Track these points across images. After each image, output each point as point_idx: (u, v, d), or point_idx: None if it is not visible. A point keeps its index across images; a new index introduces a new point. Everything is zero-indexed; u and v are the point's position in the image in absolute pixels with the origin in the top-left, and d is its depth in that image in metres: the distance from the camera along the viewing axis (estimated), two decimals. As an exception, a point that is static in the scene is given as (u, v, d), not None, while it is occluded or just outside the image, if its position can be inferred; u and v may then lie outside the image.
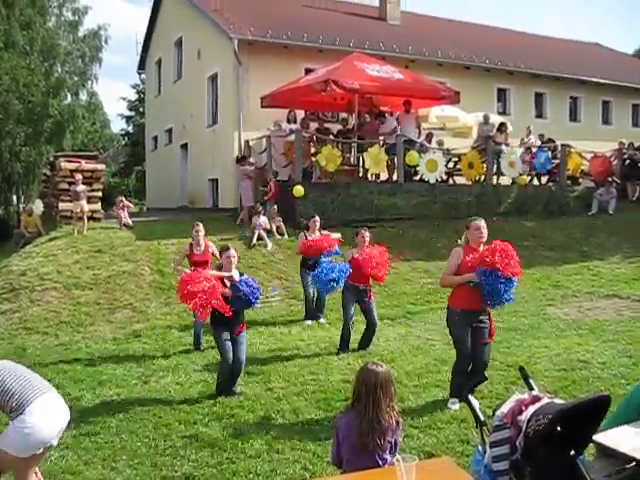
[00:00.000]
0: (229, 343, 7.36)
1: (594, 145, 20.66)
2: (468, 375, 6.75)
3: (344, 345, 9.21)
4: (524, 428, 3.17)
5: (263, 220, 14.76)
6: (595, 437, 3.42)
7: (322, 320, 11.16)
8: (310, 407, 6.92)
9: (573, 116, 26.36)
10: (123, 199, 17.33)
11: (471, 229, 6.81)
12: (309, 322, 11.11)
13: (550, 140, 20.08)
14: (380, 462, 3.85)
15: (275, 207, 15.52)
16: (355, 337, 9.33)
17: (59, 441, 6.10)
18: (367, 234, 9.20)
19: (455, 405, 6.66)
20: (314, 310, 11.28)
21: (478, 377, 6.55)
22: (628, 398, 4.00)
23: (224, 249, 7.70)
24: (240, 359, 7.43)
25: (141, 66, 31.01)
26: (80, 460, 5.74)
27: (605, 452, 3.55)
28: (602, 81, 25.66)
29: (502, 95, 24.66)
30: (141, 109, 43.31)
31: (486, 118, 18.71)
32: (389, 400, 3.93)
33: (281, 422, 6.51)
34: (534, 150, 19.18)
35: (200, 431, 6.30)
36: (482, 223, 6.77)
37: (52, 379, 8.21)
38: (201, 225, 9.95)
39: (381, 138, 16.89)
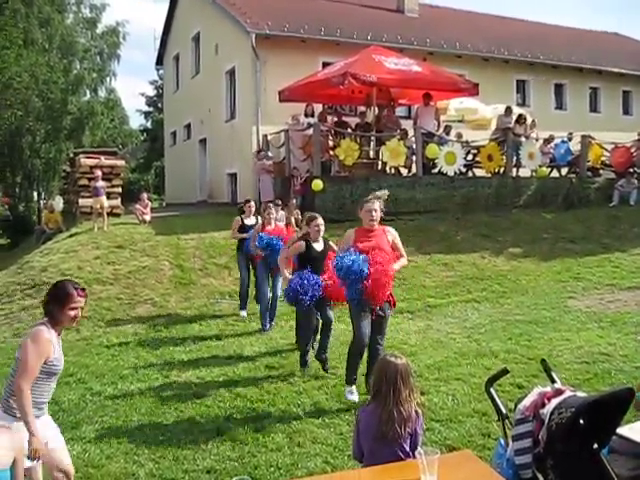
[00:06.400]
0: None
1: (614, 136, 20.45)
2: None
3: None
4: (547, 421, 3.15)
5: (282, 214, 14.75)
6: (619, 430, 3.40)
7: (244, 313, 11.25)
8: (331, 401, 6.93)
9: (593, 107, 26.08)
10: (146, 196, 17.46)
11: (363, 210, 6.73)
12: (244, 313, 11.22)
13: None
14: (402, 454, 3.84)
15: (294, 201, 15.52)
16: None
17: (81, 435, 6.19)
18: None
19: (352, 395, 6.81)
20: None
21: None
22: None
23: (311, 218, 8.09)
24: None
25: (159, 62, 31.14)
26: (102, 454, 5.77)
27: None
28: (622, 71, 25.37)
29: (521, 86, 24.46)
30: (159, 105, 43.51)
31: (508, 110, 18.53)
32: (409, 391, 3.93)
33: (302, 416, 6.52)
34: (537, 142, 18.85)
35: (221, 425, 6.33)
36: (375, 206, 6.68)
37: (74, 374, 8.31)
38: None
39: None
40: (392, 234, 6.87)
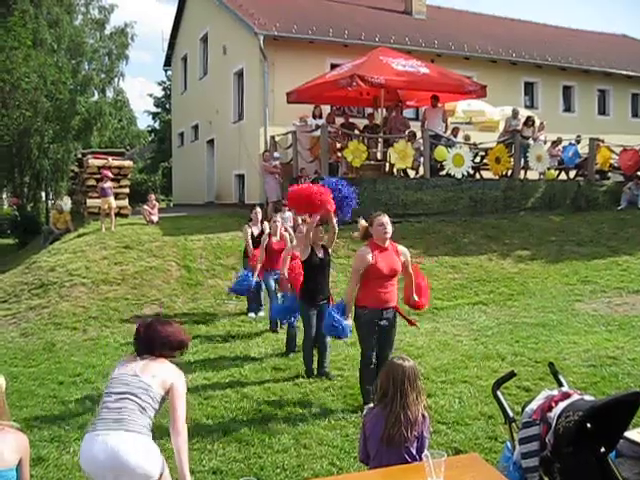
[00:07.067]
0: (314, 318, 7.92)
1: (623, 138, 20.39)
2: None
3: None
4: (554, 425, 3.14)
5: (288, 215, 14.75)
6: (626, 434, 3.39)
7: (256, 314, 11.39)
8: (337, 402, 6.92)
9: (602, 109, 25.97)
10: (153, 196, 17.53)
11: (374, 225, 6.30)
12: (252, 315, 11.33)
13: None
14: (408, 458, 3.83)
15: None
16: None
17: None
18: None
19: None
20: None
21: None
22: None
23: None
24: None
25: (167, 63, 31.20)
26: (109, 454, 5.77)
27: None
28: (631, 73, 25.26)
29: (529, 88, 24.36)
30: (167, 105, 43.55)
31: (515, 112, 18.50)
32: (416, 394, 3.91)
33: (308, 417, 6.51)
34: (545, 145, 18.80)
35: (228, 426, 6.33)
36: (385, 219, 6.29)
37: (81, 374, 8.34)
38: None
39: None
40: (405, 255, 6.51)
